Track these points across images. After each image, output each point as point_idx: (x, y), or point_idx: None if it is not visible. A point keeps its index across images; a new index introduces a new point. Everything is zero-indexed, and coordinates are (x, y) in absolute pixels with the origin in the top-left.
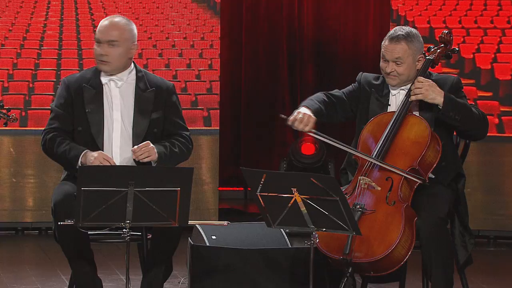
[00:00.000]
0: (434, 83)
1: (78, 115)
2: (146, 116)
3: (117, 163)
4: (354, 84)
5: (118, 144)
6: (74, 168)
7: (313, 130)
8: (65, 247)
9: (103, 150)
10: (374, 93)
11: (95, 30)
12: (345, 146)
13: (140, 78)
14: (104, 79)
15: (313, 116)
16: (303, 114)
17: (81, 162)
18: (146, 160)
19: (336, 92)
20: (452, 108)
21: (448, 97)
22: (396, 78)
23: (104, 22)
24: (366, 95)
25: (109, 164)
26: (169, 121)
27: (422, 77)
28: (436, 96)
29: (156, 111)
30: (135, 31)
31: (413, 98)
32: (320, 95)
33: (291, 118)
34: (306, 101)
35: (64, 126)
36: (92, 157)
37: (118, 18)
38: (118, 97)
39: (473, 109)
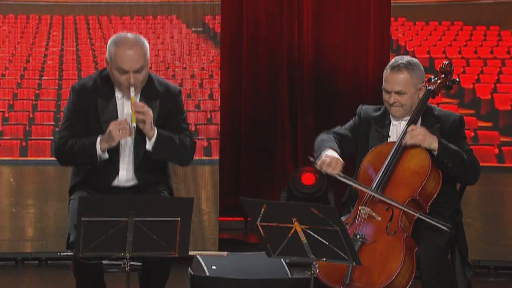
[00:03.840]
0: (425, 129)
1: (93, 127)
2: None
3: (124, 179)
4: (355, 118)
5: (132, 156)
6: (94, 159)
7: (341, 174)
8: (80, 280)
9: (115, 164)
10: (374, 124)
11: (95, 61)
12: (372, 191)
13: (146, 87)
14: (119, 94)
15: (341, 160)
16: (330, 158)
17: (100, 143)
18: (140, 118)
19: (339, 130)
20: (446, 155)
21: (442, 143)
22: (400, 109)
23: (127, 51)
24: (366, 127)
25: (127, 126)
26: (172, 126)
27: (413, 125)
28: (432, 141)
29: (160, 118)
30: (147, 44)
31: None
32: (330, 136)
33: (319, 162)
34: (328, 143)
35: (77, 134)
36: (110, 134)
37: (134, 41)
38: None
39: (464, 156)
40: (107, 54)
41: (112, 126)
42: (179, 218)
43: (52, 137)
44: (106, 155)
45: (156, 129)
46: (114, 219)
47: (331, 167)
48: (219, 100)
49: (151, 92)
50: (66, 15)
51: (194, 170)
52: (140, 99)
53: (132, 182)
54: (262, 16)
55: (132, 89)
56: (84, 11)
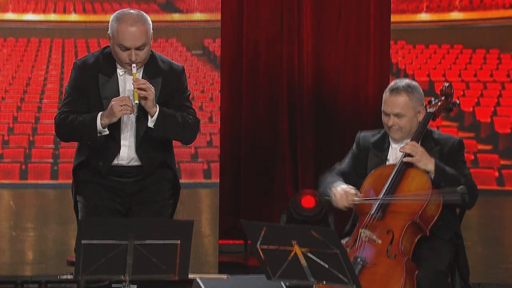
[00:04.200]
0: (424, 150)
1: (94, 103)
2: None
3: (126, 156)
4: (353, 148)
5: (133, 133)
6: (94, 134)
7: (356, 199)
8: None
9: (116, 140)
10: (373, 149)
11: None
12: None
13: (148, 64)
14: (121, 71)
15: (350, 186)
16: (340, 191)
17: (101, 119)
18: (142, 94)
19: (340, 168)
20: (443, 179)
21: (439, 166)
22: (398, 132)
23: (129, 28)
24: (365, 153)
25: (129, 103)
26: (175, 104)
27: (414, 142)
28: (428, 163)
29: (162, 96)
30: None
31: (406, 159)
32: (333, 174)
33: (332, 198)
34: (332, 178)
35: (78, 110)
36: (112, 109)
37: (137, 17)
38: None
39: (462, 180)
40: (109, 30)
41: (114, 102)
42: (179, 241)
43: (52, 160)
44: (106, 131)
45: (158, 106)
46: (114, 242)
47: (345, 200)
48: (219, 123)
49: (154, 69)
50: (66, 38)
51: (194, 193)
52: (142, 77)
53: (134, 161)
54: (262, 38)
55: (133, 65)
56: (84, 35)
